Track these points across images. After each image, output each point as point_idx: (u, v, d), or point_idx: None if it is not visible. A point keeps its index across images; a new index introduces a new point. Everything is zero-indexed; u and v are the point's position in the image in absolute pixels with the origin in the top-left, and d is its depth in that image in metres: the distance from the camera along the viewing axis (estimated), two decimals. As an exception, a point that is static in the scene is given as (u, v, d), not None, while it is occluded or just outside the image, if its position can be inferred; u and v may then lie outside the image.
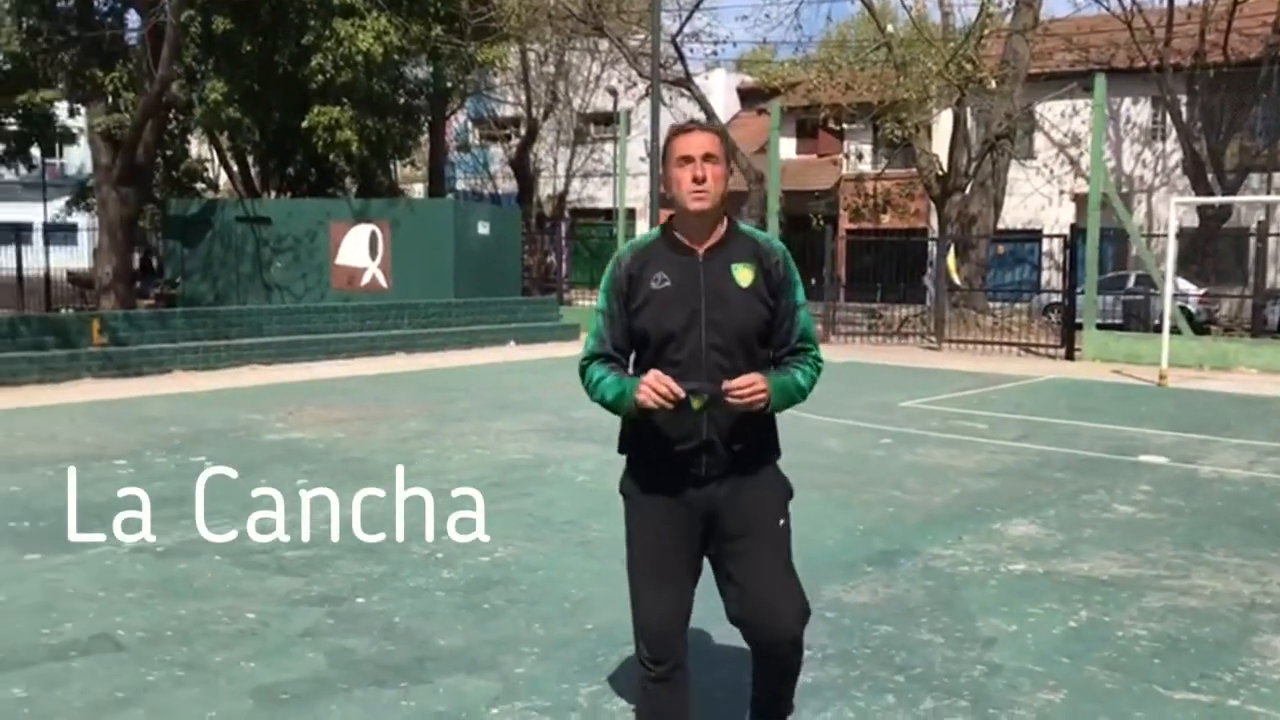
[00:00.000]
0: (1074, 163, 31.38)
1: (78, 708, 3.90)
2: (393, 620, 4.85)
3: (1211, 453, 9.34)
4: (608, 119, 34.95)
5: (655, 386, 2.81)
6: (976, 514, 6.95)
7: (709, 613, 3.33)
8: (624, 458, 3.15)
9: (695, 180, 2.92)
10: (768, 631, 3.05)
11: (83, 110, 22.76)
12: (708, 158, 2.95)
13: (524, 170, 32.88)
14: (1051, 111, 30.37)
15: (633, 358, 3.09)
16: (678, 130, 3.01)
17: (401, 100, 24.45)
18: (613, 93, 33.01)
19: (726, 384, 2.81)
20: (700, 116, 27.49)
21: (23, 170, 28.32)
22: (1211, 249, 26.49)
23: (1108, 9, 26.53)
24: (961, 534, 6.42)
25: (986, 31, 22.71)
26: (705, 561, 3.13)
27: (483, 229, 22.16)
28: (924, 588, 5.41)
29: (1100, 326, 18.81)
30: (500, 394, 12.52)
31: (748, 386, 2.83)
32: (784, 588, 3.05)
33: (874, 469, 8.38)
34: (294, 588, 5.29)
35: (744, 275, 2.98)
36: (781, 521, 3.10)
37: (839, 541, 6.23)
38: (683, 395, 2.82)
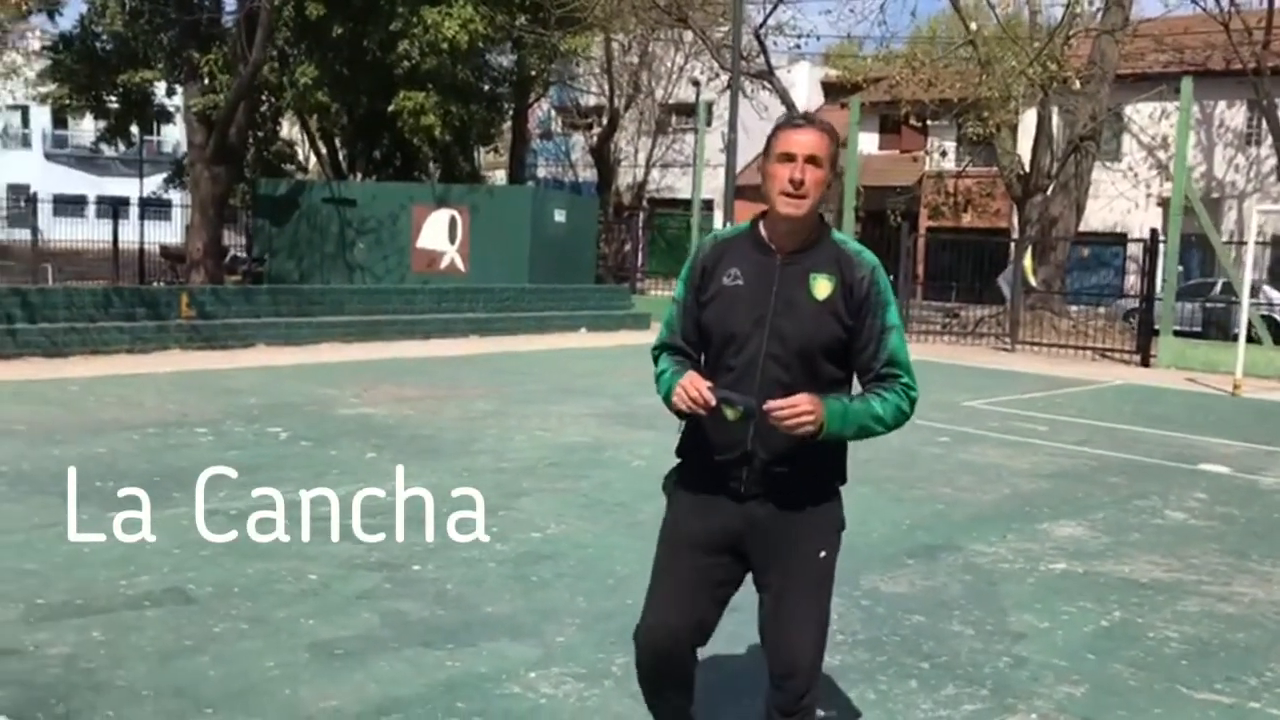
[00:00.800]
0: (1162, 166, 30.77)
1: (149, 652, 4.20)
2: (445, 587, 5.11)
3: (1276, 464, 9.25)
4: (690, 110, 35.07)
5: (686, 389, 2.65)
6: (1024, 514, 7.02)
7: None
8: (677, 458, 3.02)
9: (792, 182, 2.69)
10: (779, 662, 2.84)
11: (180, 90, 23.53)
12: (811, 160, 2.71)
13: (604, 159, 33.18)
14: (1140, 113, 29.82)
15: (703, 357, 2.92)
16: (786, 123, 2.78)
17: (485, 88, 24.86)
18: (695, 84, 33.11)
19: (768, 404, 2.61)
20: (779, 110, 27.54)
21: (122, 147, 29.26)
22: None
23: (1204, 9, 25.96)
24: (1006, 532, 6.51)
25: (1073, 31, 22.39)
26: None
27: (559, 216, 22.47)
28: (961, 582, 5.52)
29: (1179, 333, 18.52)
30: (567, 379, 12.79)
31: (789, 408, 2.59)
32: (803, 621, 2.82)
33: (927, 466, 8.46)
34: (355, 553, 5.57)
35: (821, 287, 2.74)
36: (823, 554, 2.84)
37: (883, 534, 6.36)
38: (713, 403, 2.64)
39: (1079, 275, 30.03)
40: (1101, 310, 24.20)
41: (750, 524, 2.82)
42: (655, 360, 2.94)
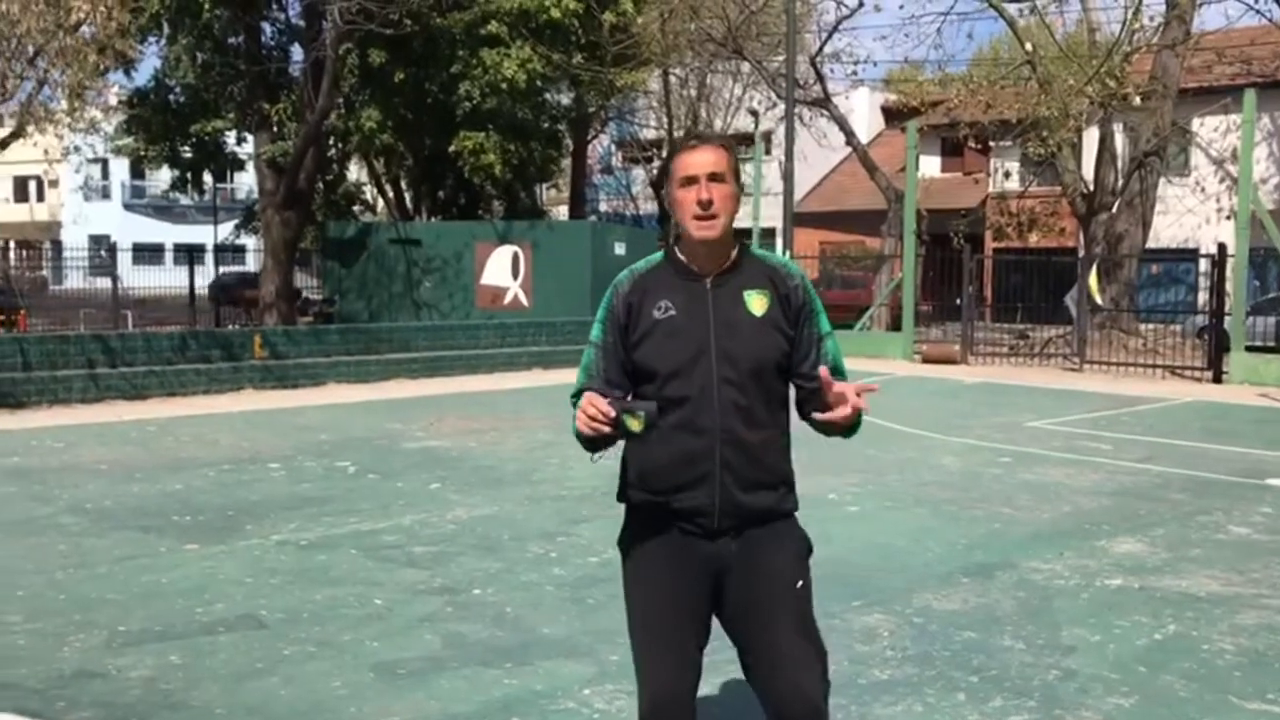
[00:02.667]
0: (1231, 180, 30.23)
1: (223, 674, 4.41)
2: (504, 610, 5.27)
3: (1347, 478, 9.08)
4: (748, 140, 35.32)
5: (584, 409, 2.49)
6: (1083, 531, 7.00)
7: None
8: (624, 506, 2.79)
9: (700, 204, 2.60)
10: (787, 705, 2.64)
11: (250, 138, 24.29)
12: (714, 178, 2.62)
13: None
14: (1206, 127, 29.38)
15: (630, 396, 2.72)
16: (680, 148, 2.69)
17: (544, 125, 25.28)
18: (753, 114, 33.34)
19: (853, 387, 2.55)
20: (838, 137, 27.61)
21: (196, 195, 30.22)
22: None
23: (1270, 20, 25.58)
24: (1063, 550, 6.51)
25: (1130, 47, 22.20)
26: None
27: (620, 249, 22.72)
28: (1015, 598, 5.55)
29: (1254, 349, 18.17)
30: (629, 409, 12.93)
31: (855, 394, 2.54)
32: (803, 658, 2.66)
33: (986, 486, 8.46)
34: (419, 579, 5.76)
35: (758, 303, 2.67)
36: (800, 583, 2.71)
37: (938, 554, 6.39)
38: (612, 414, 2.46)
39: (1150, 292, 29.55)
40: (1175, 327, 23.79)
41: (722, 562, 2.66)
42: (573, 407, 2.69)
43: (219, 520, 7.05)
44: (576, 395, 2.69)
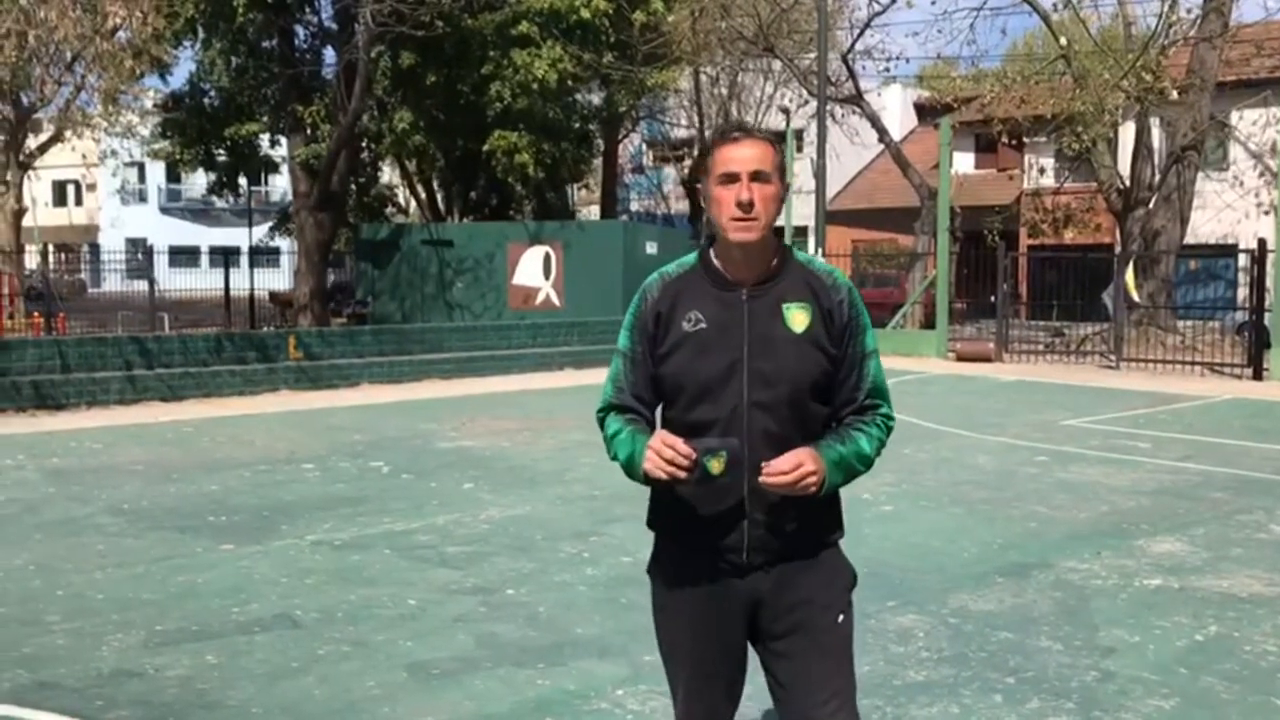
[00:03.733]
0: (1271, 174, 29.83)
1: (258, 674, 4.44)
2: (537, 610, 5.27)
3: (1392, 476, 8.93)
4: (781, 137, 35.20)
5: (660, 451, 2.26)
6: (1121, 531, 6.92)
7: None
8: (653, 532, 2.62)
9: (740, 205, 2.36)
10: None
11: (284, 141, 24.48)
12: (757, 176, 2.37)
13: (696, 190, 33.44)
14: (1245, 120, 28.99)
15: (659, 412, 2.53)
16: (721, 138, 2.43)
17: (575, 125, 25.32)
18: (785, 111, 33.24)
19: (765, 467, 2.27)
20: (870, 134, 27.46)
21: (231, 199, 30.51)
22: None
23: (1308, 11, 25.21)
24: (1101, 549, 6.43)
25: (1169, 41, 21.94)
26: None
27: (650, 249, 22.72)
28: (1052, 599, 5.49)
29: (1293, 345, 17.88)
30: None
31: (792, 471, 2.27)
32: (835, 694, 2.47)
33: (1022, 485, 8.38)
34: (452, 579, 5.78)
35: (798, 318, 2.41)
36: (841, 617, 2.50)
37: (974, 554, 6.33)
38: (693, 457, 2.24)
39: (1189, 289, 29.23)
40: (1214, 324, 23.50)
41: (758, 598, 2.46)
42: (601, 424, 2.53)
43: (254, 521, 7.10)
44: (605, 411, 2.52)
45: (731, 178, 2.38)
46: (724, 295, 2.44)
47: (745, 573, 2.45)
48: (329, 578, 5.81)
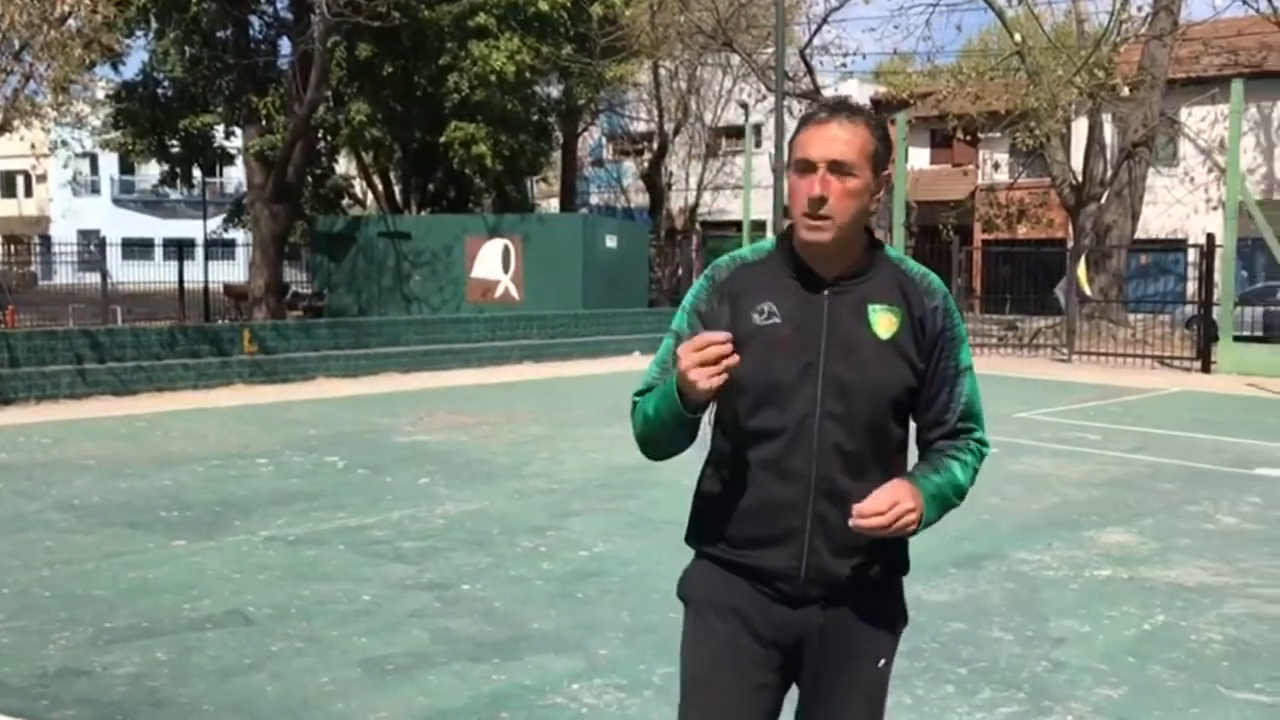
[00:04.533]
0: (1220, 170, 30.32)
1: (209, 671, 4.39)
2: (493, 605, 5.25)
3: (1335, 467, 9.12)
4: (739, 132, 35.29)
5: (689, 352, 1.93)
6: (1072, 522, 7.02)
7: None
8: (692, 549, 2.30)
9: (810, 201, 2.04)
10: None
11: (239, 132, 24.18)
12: (836, 168, 2.03)
13: (655, 184, 33.44)
14: (1194, 117, 29.44)
15: (710, 418, 2.16)
16: (808, 117, 2.10)
17: (534, 118, 25.22)
18: (743, 106, 33.32)
19: (856, 509, 1.99)
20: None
21: (185, 190, 30.12)
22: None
23: (1257, 10, 25.61)
24: (1052, 540, 6.52)
25: (1119, 38, 22.23)
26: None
27: (610, 242, 22.70)
28: (1004, 590, 5.56)
29: (1242, 339, 18.23)
30: (618, 402, 12.84)
31: (889, 510, 1.98)
32: None
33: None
34: (407, 574, 5.75)
35: (885, 322, 2.11)
36: (883, 662, 2.22)
37: (928, 545, 6.34)
38: (730, 340, 1.94)
39: (1140, 283, 29.64)
40: (1164, 318, 23.87)
41: (807, 634, 2.16)
42: (634, 410, 2.20)
43: (207, 516, 7.02)
44: (641, 393, 2.19)
45: (808, 166, 2.04)
46: (803, 290, 2.12)
47: (798, 604, 2.14)
48: (282, 573, 5.76)
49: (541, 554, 6.18)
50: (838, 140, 2.03)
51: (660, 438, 2.14)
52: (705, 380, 1.91)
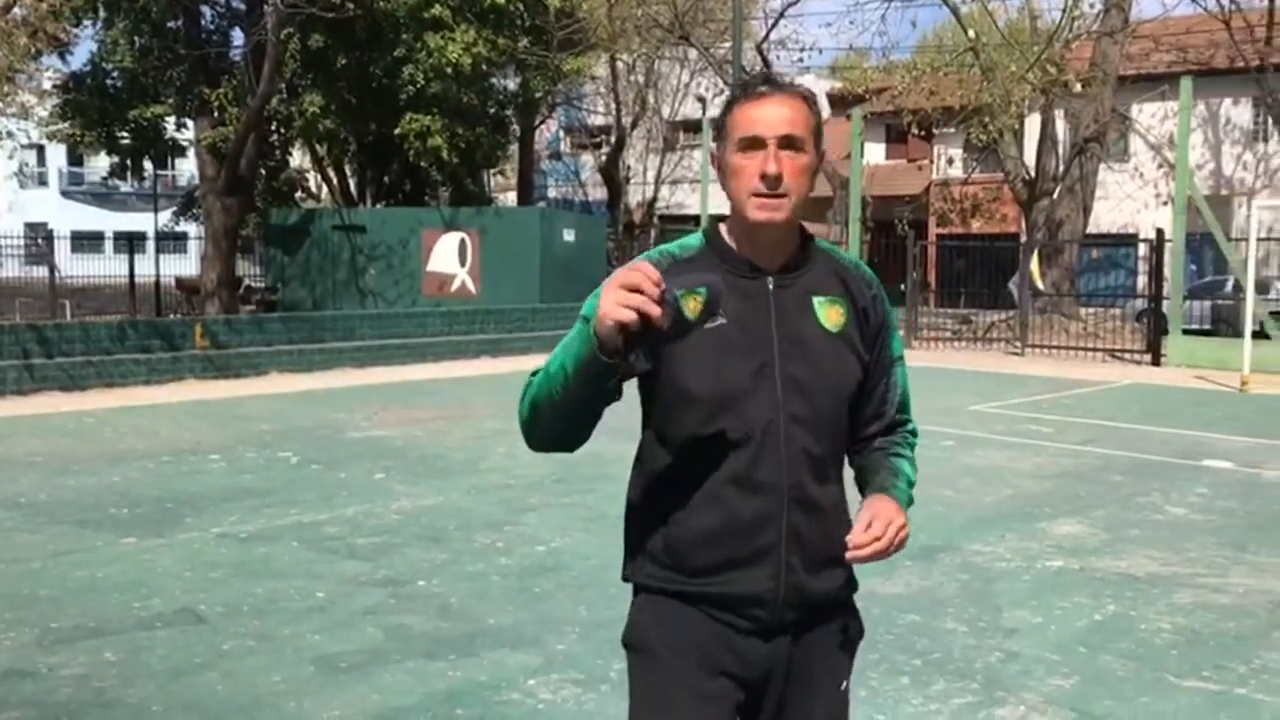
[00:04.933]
0: (1169, 166, 30.77)
1: (159, 671, 4.33)
2: (449, 601, 5.22)
3: (1279, 458, 9.29)
4: (697, 126, 35.35)
5: (619, 284, 1.67)
6: (1024, 514, 7.09)
7: None
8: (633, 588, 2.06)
9: (766, 179, 1.88)
10: None
11: (190, 124, 23.85)
12: (788, 143, 1.89)
13: (613, 177, 33.43)
14: (1144, 114, 29.86)
15: (650, 439, 2.00)
16: (742, 94, 1.94)
17: (491, 110, 25.10)
18: (700, 100, 33.36)
19: (850, 540, 1.85)
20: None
21: (136, 182, 29.67)
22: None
23: (1205, 9, 26.02)
24: (1005, 532, 6.58)
25: (1073, 35, 22.50)
26: None
27: (568, 236, 22.64)
28: (958, 581, 5.60)
29: (1191, 332, 18.52)
30: (577, 396, 12.90)
31: (884, 532, 1.85)
32: None
33: (928, 470, 8.45)
34: (361, 571, 5.70)
35: (831, 314, 1.97)
36: (844, 685, 2.06)
37: (883, 537, 6.42)
38: (664, 286, 1.67)
39: (1092, 277, 30.05)
40: (1115, 311, 24.21)
41: (774, 668, 1.97)
42: (524, 392, 1.93)
43: (158, 513, 6.92)
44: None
45: (755, 143, 1.89)
46: (745, 283, 1.94)
47: (771, 634, 1.94)
48: (234, 571, 5.69)
49: (498, 549, 6.15)
50: (784, 115, 1.89)
51: (559, 404, 1.82)
52: (616, 311, 1.64)
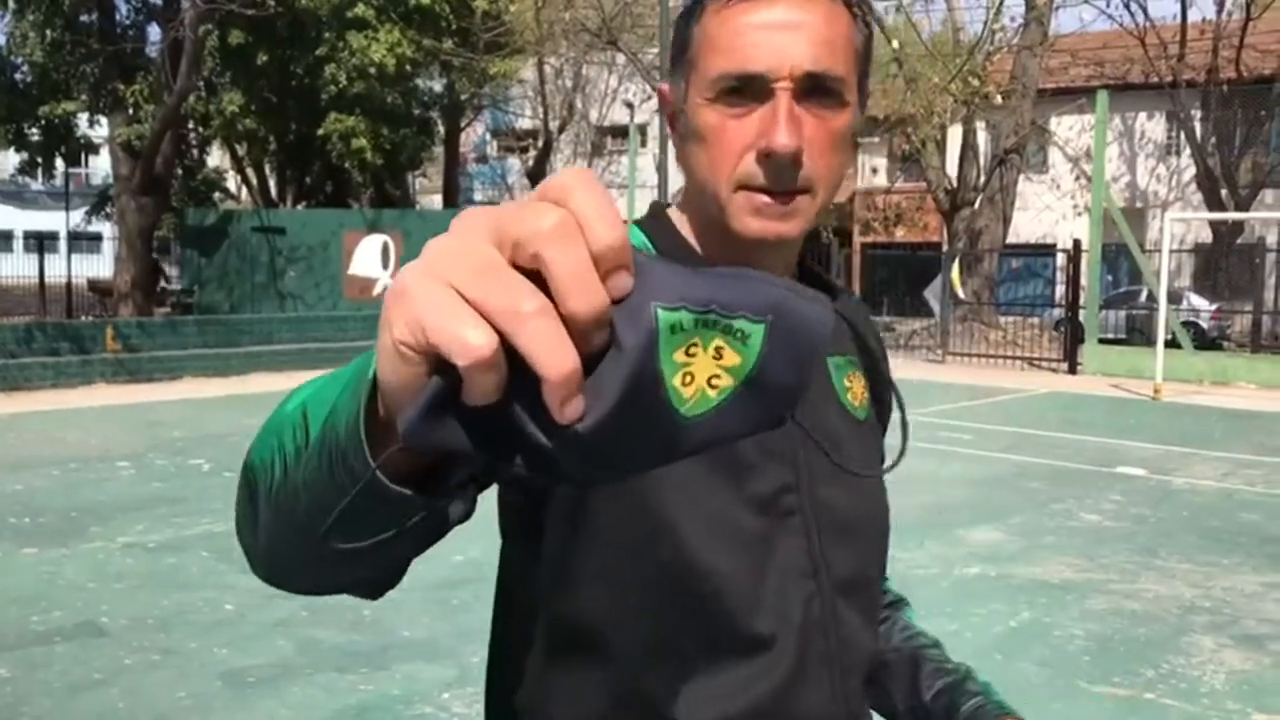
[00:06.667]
0: (1086, 178, 31.48)
1: (56, 687, 4.16)
2: (362, 613, 5.09)
3: (1189, 465, 9.49)
4: (624, 132, 35.34)
5: (444, 282, 0.51)
6: (943, 521, 7.15)
7: None
8: None
9: (770, 161, 0.95)
10: None
11: (104, 121, 23.26)
12: (816, 86, 0.95)
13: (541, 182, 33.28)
14: (1063, 126, 30.52)
15: (549, 598, 1.02)
16: None
17: (416, 111, 24.84)
18: (629, 106, 33.37)
19: None
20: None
21: (47, 180, 28.86)
22: (1225, 265, 26.56)
23: (1120, 25, 26.69)
24: (924, 539, 6.63)
25: (992, 47, 22.92)
26: None
27: (494, 240, 22.48)
28: (877, 589, 5.62)
29: (1107, 341, 18.93)
30: (500, 402, 12.78)
31: None
32: None
33: (852, 477, 8.57)
34: (273, 582, 5.55)
35: (856, 388, 1.15)
36: None
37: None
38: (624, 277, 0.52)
39: (1012, 286, 30.59)
40: (1034, 320, 24.68)
41: None
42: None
43: (61, 522, 6.69)
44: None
45: (749, 86, 0.96)
46: None
47: None
48: (140, 582, 5.51)
49: (417, 560, 6.02)
50: (808, 34, 0.95)
51: (285, 501, 0.69)
52: (449, 336, 0.50)
